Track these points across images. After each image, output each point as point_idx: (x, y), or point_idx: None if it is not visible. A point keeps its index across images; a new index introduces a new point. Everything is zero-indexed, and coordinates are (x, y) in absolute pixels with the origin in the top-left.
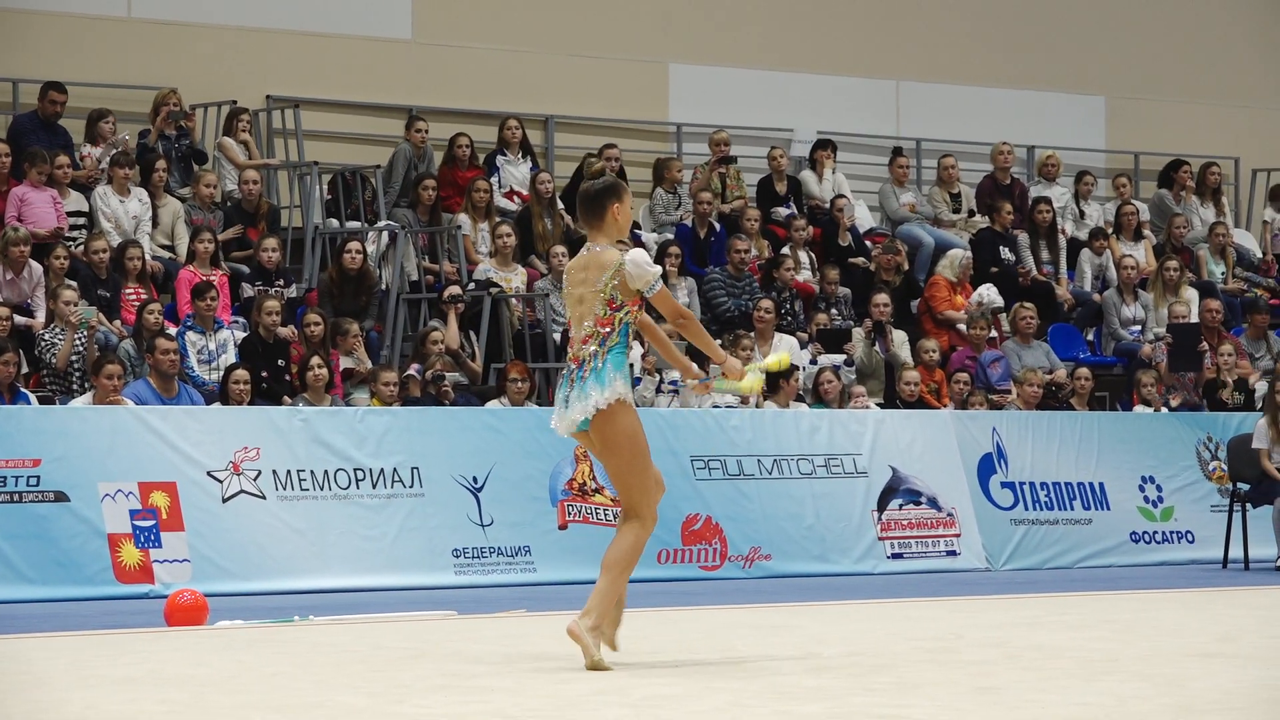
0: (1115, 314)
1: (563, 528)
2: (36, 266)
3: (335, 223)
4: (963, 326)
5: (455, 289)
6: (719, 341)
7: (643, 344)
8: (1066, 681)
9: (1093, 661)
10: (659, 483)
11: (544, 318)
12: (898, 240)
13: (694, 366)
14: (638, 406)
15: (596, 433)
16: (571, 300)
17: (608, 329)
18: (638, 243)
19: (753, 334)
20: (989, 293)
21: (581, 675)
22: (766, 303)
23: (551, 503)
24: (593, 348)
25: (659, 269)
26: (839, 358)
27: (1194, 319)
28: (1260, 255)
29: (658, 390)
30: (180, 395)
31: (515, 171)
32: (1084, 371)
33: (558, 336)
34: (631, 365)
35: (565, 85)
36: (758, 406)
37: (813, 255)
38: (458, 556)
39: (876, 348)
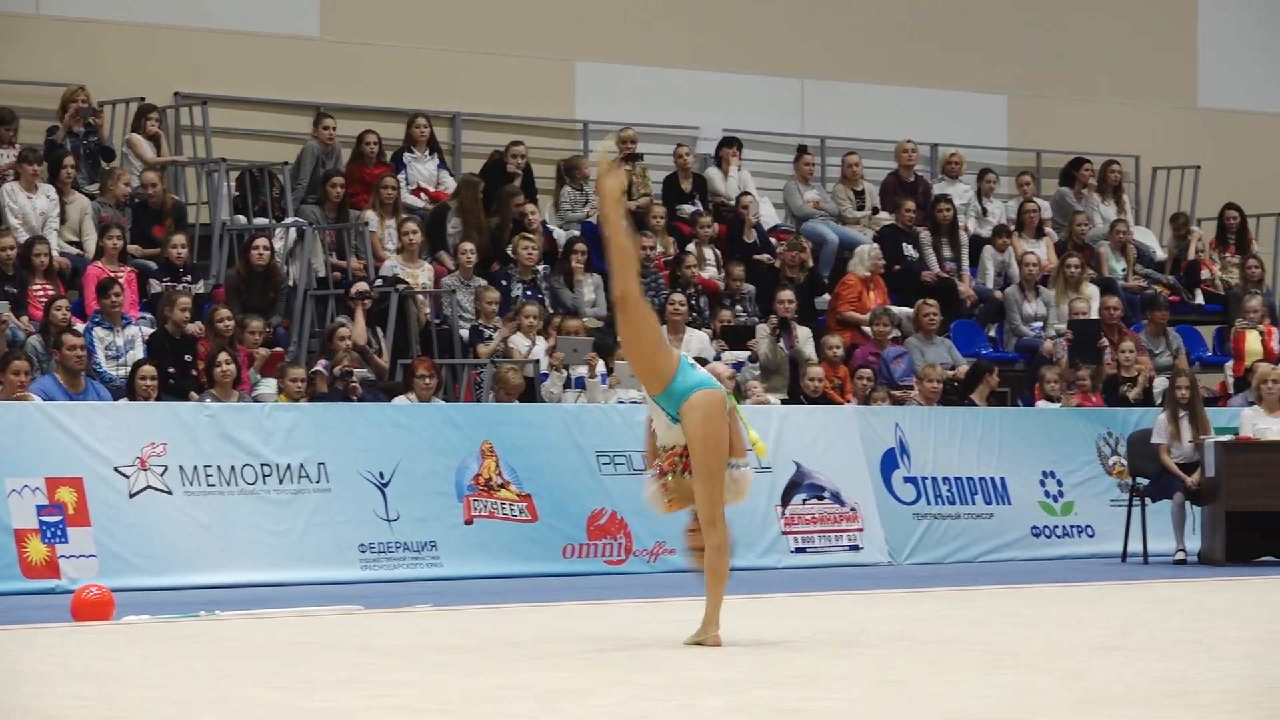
0: (1017, 310)
1: (469, 523)
2: None
3: (243, 219)
4: (867, 329)
5: (362, 285)
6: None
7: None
8: (969, 674)
9: (995, 655)
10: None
11: (451, 313)
12: (802, 237)
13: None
14: (545, 401)
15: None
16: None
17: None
18: (547, 239)
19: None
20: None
21: (488, 670)
22: (679, 296)
23: (457, 498)
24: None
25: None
26: (743, 354)
27: (1094, 315)
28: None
29: (565, 386)
30: (87, 391)
31: (422, 168)
32: (993, 371)
33: (465, 332)
34: (537, 362)
35: (473, 82)
36: None
37: (718, 252)
38: (364, 551)
39: (781, 344)
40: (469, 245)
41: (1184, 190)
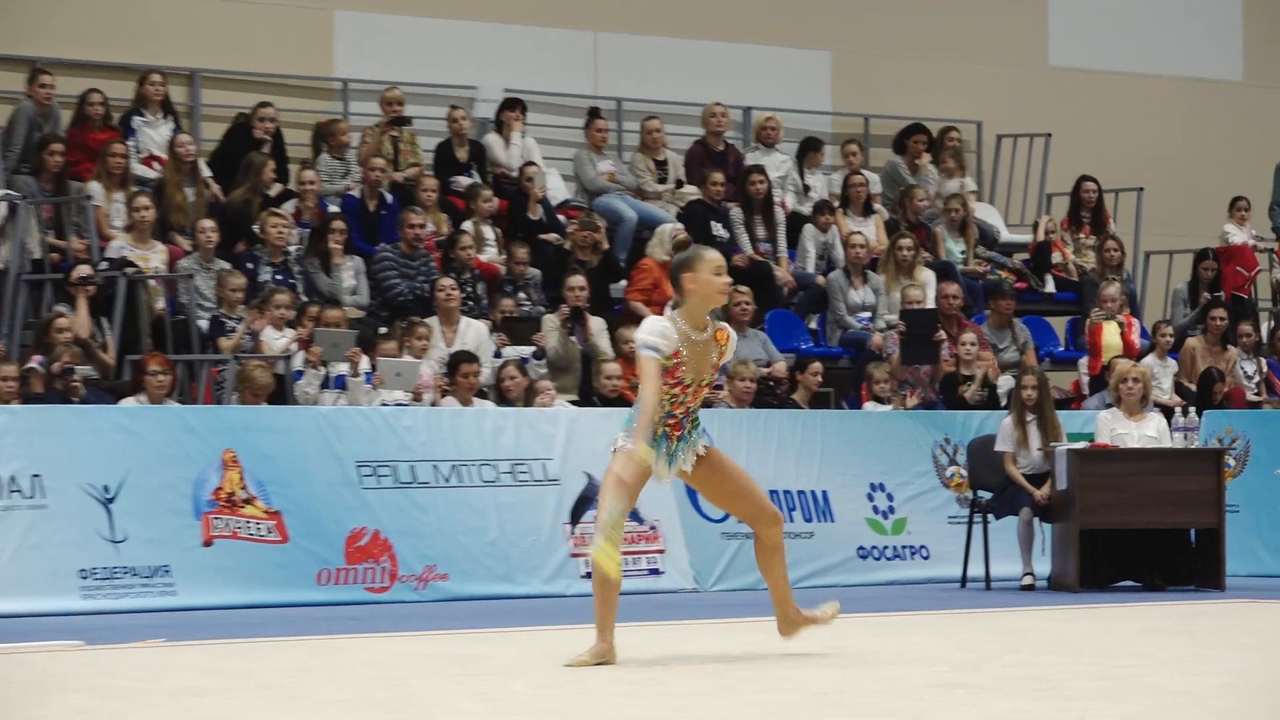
0: (842, 299)
1: (208, 544)
2: None
3: None
4: None
5: (85, 269)
6: (385, 329)
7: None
8: (790, 718)
9: (819, 695)
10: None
11: (188, 301)
12: (595, 214)
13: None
14: (298, 404)
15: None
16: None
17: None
18: (320, 213)
19: (428, 320)
20: None
21: (231, 715)
22: (448, 280)
23: (195, 516)
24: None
25: (641, 337)
26: (527, 349)
27: (930, 304)
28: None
29: (322, 386)
30: None
31: (155, 134)
32: (816, 366)
33: (204, 323)
34: (324, 363)
35: (214, 35)
36: None
37: (498, 231)
38: (85, 578)
39: (573, 338)
40: (209, 223)
41: (1033, 161)
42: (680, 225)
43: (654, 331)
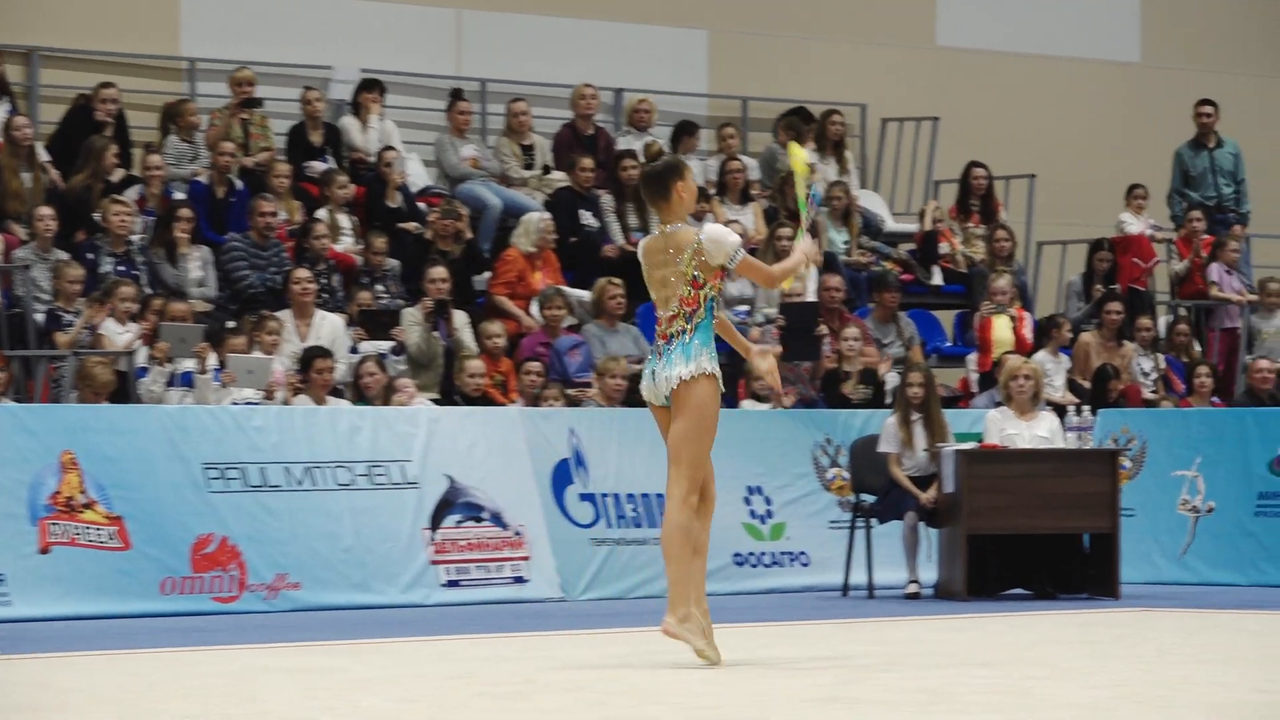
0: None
1: (45, 551)
2: None
3: None
4: (535, 315)
5: None
6: (235, 323)
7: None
8: None
9: (693, 709)
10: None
11: (24, 294)
12: (458, 202)
13: (752, 346)
14: (142, 402)
15: (676, 400)
16: (654, 282)
17: (693, 307)
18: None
19: (280, 313)
20: None
21: None
22: (302, 272)
23: (31, 521)
24: (680, 324)
25: (737, 238)
26: (386, 344)
27: (811, 297)
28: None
29: (168, 384)
30: None
31: None
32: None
33: (40, 317)
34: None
35: (53, 10)
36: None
37: (355, 220)
38: None
39: (436, 332)
40: (48, 210)
41: (919, 146)
42: (548, 214)
43: (726, 232)
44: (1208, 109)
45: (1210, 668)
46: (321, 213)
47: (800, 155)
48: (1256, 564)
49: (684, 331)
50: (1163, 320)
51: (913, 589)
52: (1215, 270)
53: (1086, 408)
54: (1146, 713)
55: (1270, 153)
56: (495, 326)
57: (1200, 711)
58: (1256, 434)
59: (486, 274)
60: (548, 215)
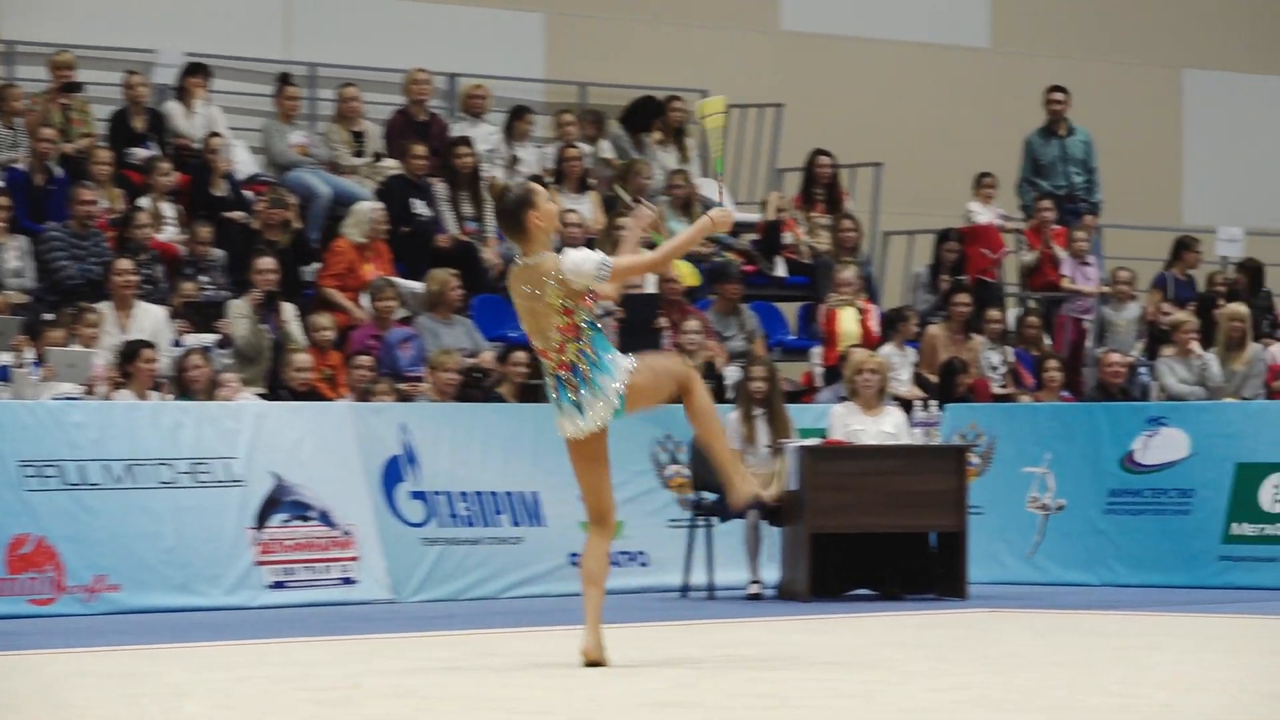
0: None
1: None
2: None
3: None
4: (365, 306)
5: None
6: (53, 315)
7: None
8: None
9: (523, 714)
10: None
11: None
12: (286, 190)
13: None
14: None
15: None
16: (523, 313)
17: (573, 333)
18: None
19: (100, 305)
20: None
21: None
22: (124, 263)
23: None
24: (573, 349)
25: (598, 258)
26: (211, 337)
27: (650, 289)
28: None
29: None
30: None
31: None
32: (520, 356)
33: None
34: None
35: None
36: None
37: (179, 208)
38: None
39: (265, 325)
40: None
41: (763, 134)
42: (379, 203)
43: (584, 256)
44: (1059, 96)
45: (1058, 670)
46: (144, 201)
47: (717, 107)
48: (1108, 563)
49: (583, 353)
50: (1012, 312)
51: (754, 589)
52: (1068, 262)
53: (934, 403)
54: (991, 716)
55: (1122, 140)
56: (324, 319)
57: (1046, 715)
58: (1108, 429)
59: (315, 265)
60: (379, 204)
